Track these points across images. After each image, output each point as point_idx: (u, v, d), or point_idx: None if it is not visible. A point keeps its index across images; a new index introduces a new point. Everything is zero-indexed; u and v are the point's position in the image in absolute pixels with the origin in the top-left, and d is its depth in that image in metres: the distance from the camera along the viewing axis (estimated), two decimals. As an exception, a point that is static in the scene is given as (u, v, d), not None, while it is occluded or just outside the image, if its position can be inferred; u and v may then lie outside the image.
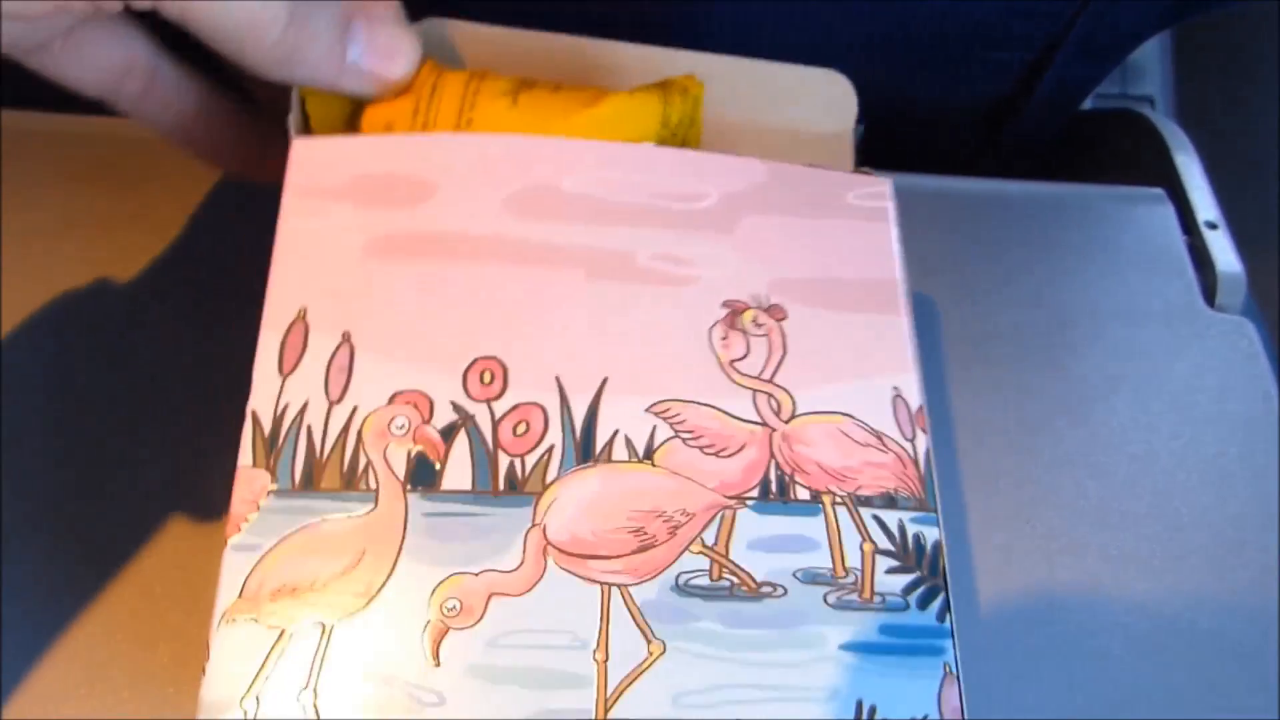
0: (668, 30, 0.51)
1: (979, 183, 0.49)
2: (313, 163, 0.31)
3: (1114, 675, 0.37)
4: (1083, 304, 0.46)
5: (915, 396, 0.30)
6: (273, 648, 0.27)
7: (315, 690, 0.27)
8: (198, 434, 0.39)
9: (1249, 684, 0.37)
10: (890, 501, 0.29)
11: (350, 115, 0.34)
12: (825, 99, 0.39)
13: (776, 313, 0.31)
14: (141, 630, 0.35)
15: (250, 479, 0.28)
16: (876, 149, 0.62)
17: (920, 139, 0.57)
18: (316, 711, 0.26)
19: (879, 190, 0.34)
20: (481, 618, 0.27)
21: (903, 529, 0.29)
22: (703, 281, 0.31)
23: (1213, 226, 0.47)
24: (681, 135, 0.36)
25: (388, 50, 0.32)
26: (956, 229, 0.48)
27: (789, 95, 0.39)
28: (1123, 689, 0.37)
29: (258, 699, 0.26)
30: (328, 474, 0.28)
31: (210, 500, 0.37)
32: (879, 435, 0.30)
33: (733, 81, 0.39)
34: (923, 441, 0.30)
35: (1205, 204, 0.48)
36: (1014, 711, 0.36)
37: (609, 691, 0.27)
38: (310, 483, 0.28)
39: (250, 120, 0.36)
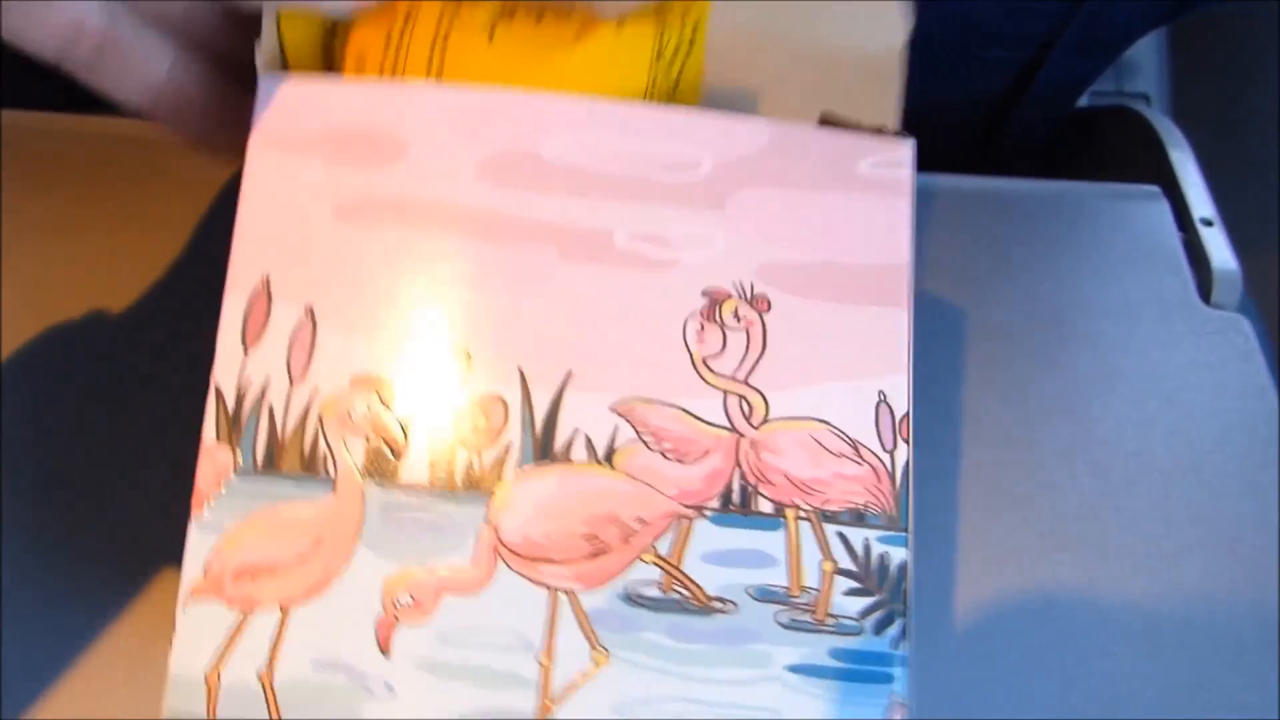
0: None
1: (974, 180, 0.47)
2: (281, 107, 0.28)
3: (1109, 671, 0.36)
4: (1078, 301, 0.44)
5: (902, 402, 0.28)
6: (234, 628, 0.26)
7: (272, 670, 0.26)
8: (197, 433, 0.38)
9: (1245, 680, 0.36)
10: (858, 518, 0.27)
11: (325, 45, 0.31)
12: (879, 11, 0.34)
13: (760, 304, 0.28)
14: (138, 627, 0.35)
15: (214, 455, 0.27)
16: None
17: (916, 136, 0.55)
18: (273, 691, 0.26)
19: (897, 156, 0.29)
20: (432, 613, 0.27)
21: (868, 548, 0.27)
22: (683, 266, 0.28)
23: (1208, 223, 0.45)
24: (679, 63, 0.32)
25: None
26: (951, 226, 0.46)
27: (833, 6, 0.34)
28: (1118, 685, 0.36)
29: (219, 675, 0.26)
30: (288, 456, 0.27)
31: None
32: (855, 445, 0.28)
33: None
34: (903, 453, 0.28)
35: (1201, 201, 0.46)
36: (1009, 708, 0.35)
37: (551, 695, 0.26)
38: (272, 464, 0.27)
39: (224, 90, 0.32)
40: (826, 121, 0.31)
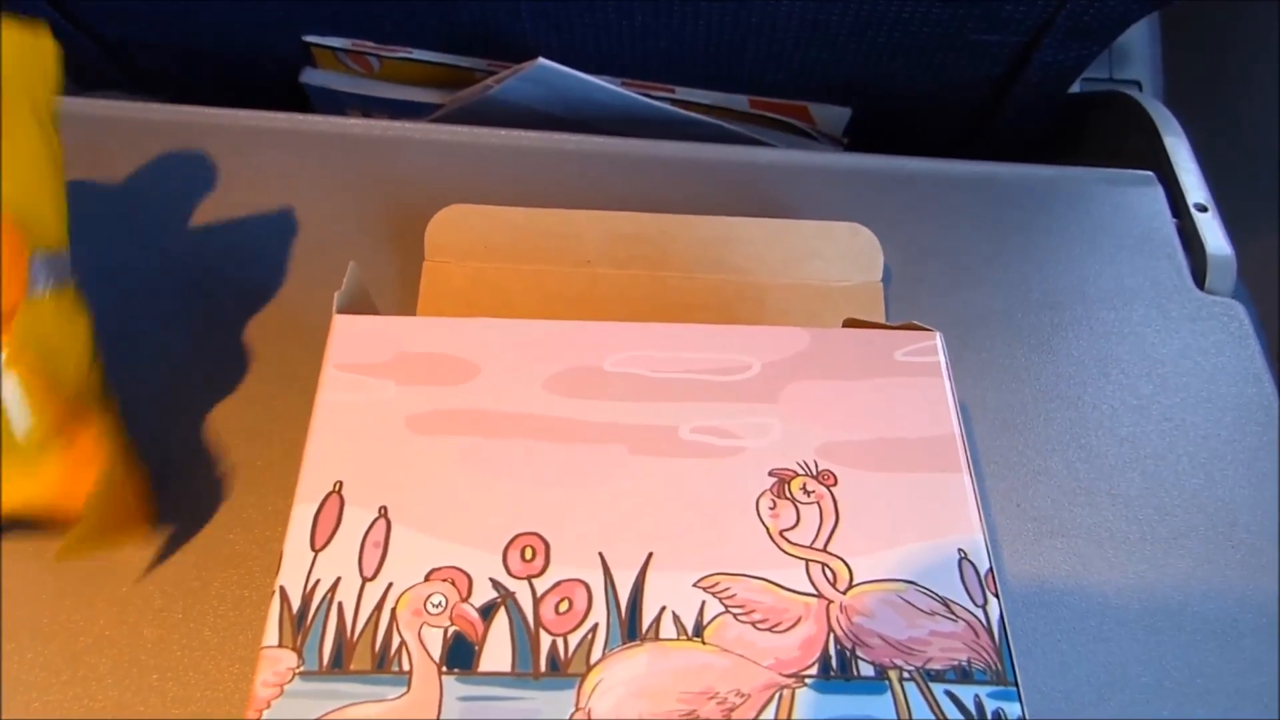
0: (669, 25, 0.41)
1: (969, 165, 0.40)
2: (354, 340, 0.25)
3: (1104, 658, 0.30)
4: (1073, 287, 0.37)
5: (983, 558, 0.22)
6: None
7: None
8: (196, 430, 0.32)
9: (1242, 665, 0.30)
10: (964, 675, 0.21)
11: None
12: (850, 250, 0.34)
13: (826, 478, 0.23)
14: (134, 623, 0.29)
15: (275, 660, 0.21)
16: (867, 132, 0.53)
17: (910, 122, 0.47)
18: None
19: (928, 344, 0.25)
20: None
21: (980, 706, 0.21)
22: (748, 452, 0.23)
23: (1202, 209, 0.38)
24: None
25: None
26: (946, 212, 0.39)
27: (815, 250, 0.34)
28: (1113, 671, 0.30)
29: None
30: (358, 654, 0.21)
31: (203, 496, 0.30)
32: (946, 602, 0.21)
33: (757, 242, 0.34)
34: (995, 607, 0.22)
35: (1194, 186, 0.39)
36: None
37: None
38: (340, 663, 0.21)
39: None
40: (852, 325, 0.27)
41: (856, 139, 0.49)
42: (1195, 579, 0.31)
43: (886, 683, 0.21)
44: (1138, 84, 0.53)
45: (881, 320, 0.33)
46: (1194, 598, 0.31)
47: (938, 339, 0.25)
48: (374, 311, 0.27)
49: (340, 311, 0.25)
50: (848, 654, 0.21)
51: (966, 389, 0.34)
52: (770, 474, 0.23)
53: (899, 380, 0.25)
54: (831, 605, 0.21)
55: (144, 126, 0.38)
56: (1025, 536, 0.32)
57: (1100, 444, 0.33)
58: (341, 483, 0.22)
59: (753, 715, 0.20)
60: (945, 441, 0.24)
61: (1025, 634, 0.30)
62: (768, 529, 0.22)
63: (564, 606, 0.21)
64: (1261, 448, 0.33)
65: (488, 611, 0.21)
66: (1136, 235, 0.38)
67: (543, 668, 0.21)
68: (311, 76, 0.49)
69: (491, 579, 0.21)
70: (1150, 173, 0.39)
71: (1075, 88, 0.47)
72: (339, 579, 0.21)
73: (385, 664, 0.21)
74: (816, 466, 0.23)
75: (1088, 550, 0.31)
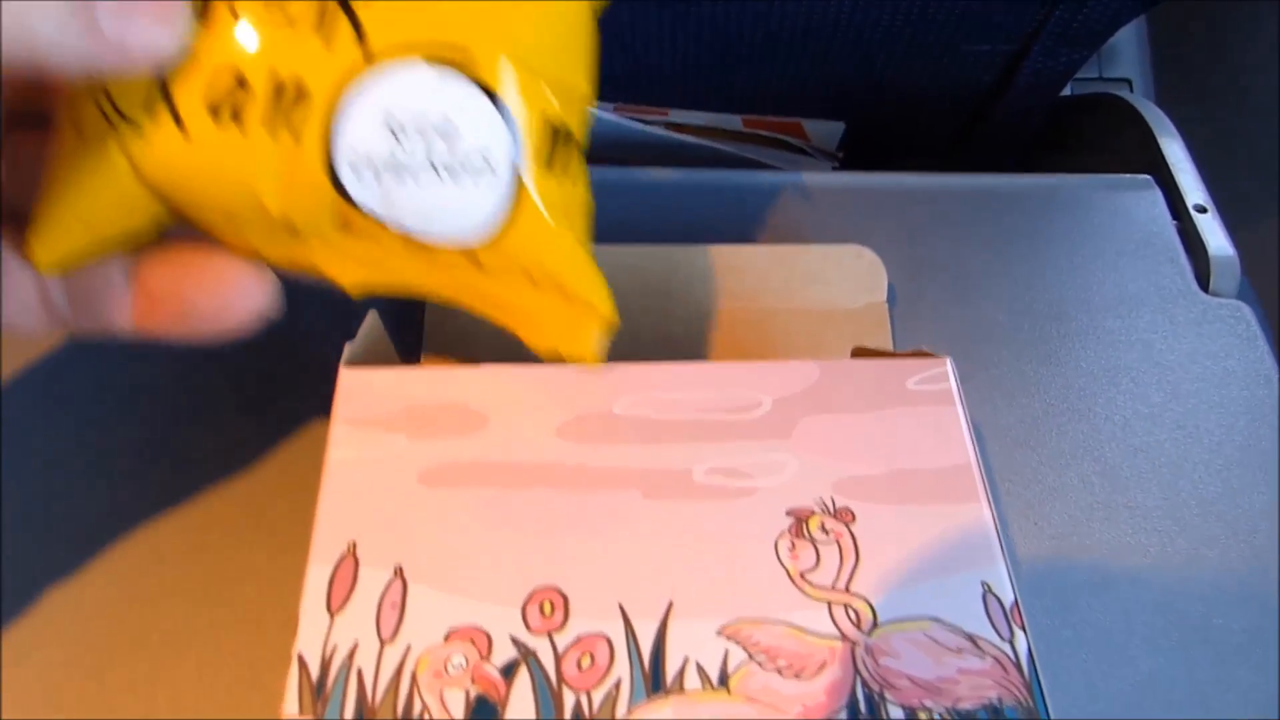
0: (661, 45, 0.41)
1: (966, 178, 0.40)
2: (361, 394, 0.24)
3: (1133, 678, 0.30)
4: (1077, 296, 0.37)
5: (1008, 591, 0.22)
6: None
7: None
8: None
9: (1265, 680, 0.30)
10: (995, 713, 0.21)
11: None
12: (854, 273, 0.34)
13: (844, 515, 0.23)
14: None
15: (297, 728, 0.21)
16: (861, 142, 0.53)
17: (903, 131, 0.47)
18: None
19: (939, 371, 0.25)
20: None
21: None
22: (763, 491, 0.23)
23: (1202, 210, 0.38)
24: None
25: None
26: (945, 226, 0.39)
27: (818, 274, 0.34)
28: (1143, 691, 0.30)
29: None
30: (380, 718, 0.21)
31: (211, 550, 0.30)
32: (972, 638, 0.21)
33: (761, 268, 0.33)
34: (1022, 641, 0.21)
35: (1193, 188, 0.39)
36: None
37: None
38: None
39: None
40: (861, 354, 0.27)
41: (850, 149, 0.49)
42: (1220, 591, 0.31)
43: (917, 724, 0.21)
44: (1128, 82, 0.53)
45: (889, 342, 0.33)
46: (1220, 610, 0.31)
47: (948, 365, 0.25)
48: (394, 359, 0.26)
49: (354, 362, 0.25)
50: (875, 697, 0.21)
51: (976, 406, 0.34)
52: (787, 513, 0.23)
53: (912, 410, 0.24)
54: (856, 647, 0.21)
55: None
56: (1045, 555, 0.31)
57: (1115, 456, 0.33)
58: (355, 542, 0.22)
59: (783, 765, 0.20)
60: (962, 471, 0.23)
61: (1050, 657, 0.30)
62: (788, 571, 0.22)
63: (586, 662, 0.21)
64: (1276, 452, 0.33)
65: (509, 670, 0.21)
66: (1137, 240, 0.38)
67: (568, 726, 0.20)
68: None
69: (512, 636, 0.21)
70: (1148, 176, 0.39)
71: (1066, 89, 0.47)
72: (357, 643, 0.21)
73: (408, 728, 0.20)
74: (834, 504, 0.23)
75: (1109, 566, 0.31)
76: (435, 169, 0.20)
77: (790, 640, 0.21)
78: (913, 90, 0.43)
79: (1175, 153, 0.40)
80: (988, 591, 0.22)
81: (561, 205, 0.21)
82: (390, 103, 0.20)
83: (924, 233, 0.38)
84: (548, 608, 0.21)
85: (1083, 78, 0.55)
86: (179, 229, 0.22)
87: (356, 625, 0.21)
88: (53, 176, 0.21)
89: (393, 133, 0.20)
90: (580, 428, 0.24)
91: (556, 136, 0.21)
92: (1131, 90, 0.52)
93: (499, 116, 0.20)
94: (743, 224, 0.38)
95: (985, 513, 0.23)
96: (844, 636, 0.21)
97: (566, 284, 0.22)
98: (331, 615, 0.21)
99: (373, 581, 0.22)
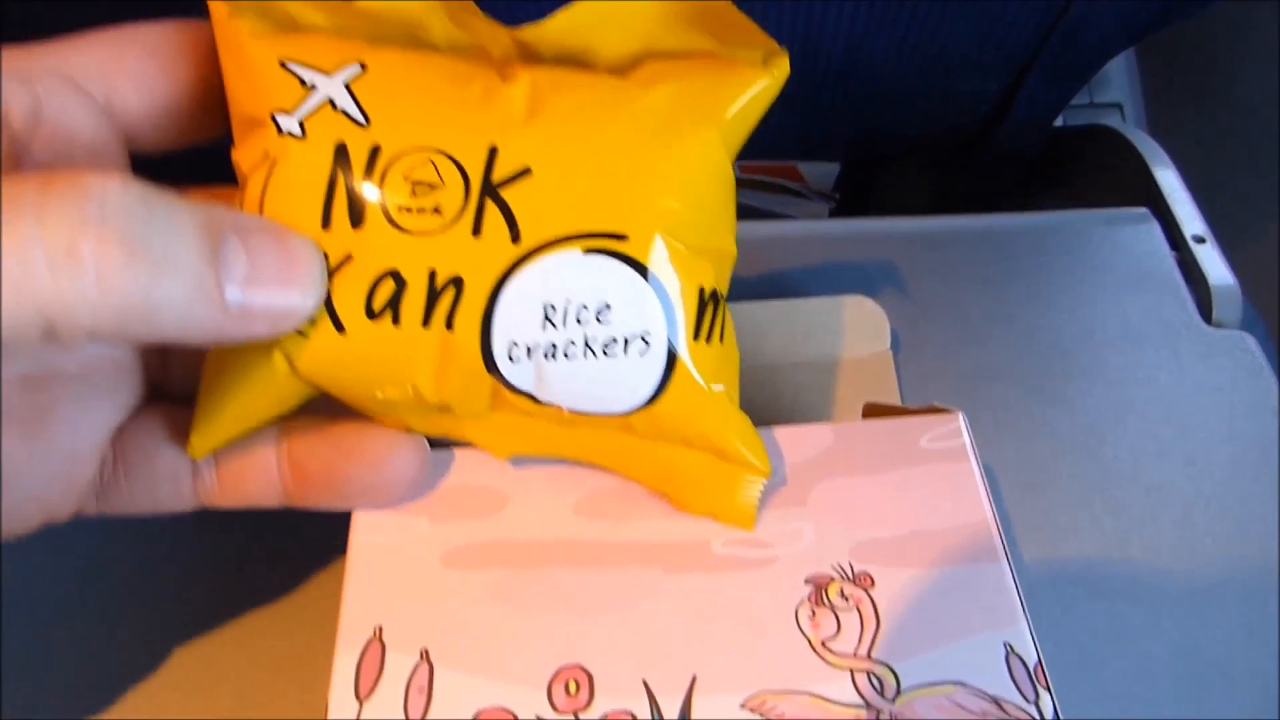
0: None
1: (962, 220, 0.40)
2: None
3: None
4: (1079, 333, 0.37)
5: (1030, 651, 0.22)
6: None
7: None
8: (214, 561, 0.31)
9: None
10: None
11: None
12: (857, 323, 0.34)
13: (863, 580, 0.23)
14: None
15: (324, 819, 0.21)
16: (855, 182, 0.53)
17: (896, 170, 0.48)
18: None
19: (952, 428, 0.25)
20: None
21: None
22: (781, 560, 0.23)
23: (1201, 240, 0.39)
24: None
25: (286, 266, 0.19)
26: (944, 269, 0.39)
27: (821, 327, 0.34)
28: None
29: None
30: (408, 809, 0.21)
31: (227, 634, 0.30)
32: (998, 701, 0.21)
33: (761, 324, 0.34)
34: (1048, 702, 0.21)
35: (1190, 217, 0.40)
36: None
37: None
38: None
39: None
40: (872, 411, 0.26)
41: (845, 190, 0.49)
42: (1241, 632, 0.31)
43: (946, 793, 0.20)
44: (1119, 107, 0.53)
45: (895, 390, 0.33)
46: (1241, 653, 0.30)
47: (960, 420, 0.25)
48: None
49: None
50: (903, 766, 0.21)
51: (985, 448, 0.34)
52: (806, 581, 0.23)
53: (926, 469, 0.24)
54: (881, 715, 0.21)
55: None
56: (1062, 600, 0.31)
57: (1127, 496, 0.33)
58: (381, 627, 0.22)
59: (813, 839, 0.20)
60: (979, 528, 0.23)
61: (1072, 708, 0.29)
62: (809, 640, 0.22)
63: (612, 741, 0.21)
64: (1289, 484, 0.33)
65: (535, 752, 0.21)
66: (1138, 274, 0.38)
67: (594, 807, 0.20)
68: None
69: (539, 717, 0.21)
70: (1145, 209, 0.39)
71: (1058, 118, 0.47)
72: None
73: (435, 816, 0.20)
74: (853, 569, 0.23)
75: (1127, 610, 0.31)
76: (591, 350, 0.21)
77: (814, 710, 0.21)
78: (907, 131, 0.43)
79: (1170, 182, 0.40)
80: (1010, 652, 0.22)
81: (713, 366, 0.22)
82: (546, 289, 0.21)
83: (923, 276, 0.38)
84: (573, 687, 0.21)
85: (1073, 105, 0.56)
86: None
87: (385, 710, 0.21)
88: (212, 376, 0.22)
89: (548, 318, 0.21)
90: (598, 503, 0.24)
91: (707, 302, 0.22)
92: (1123, 115, 0.52)
93: (654, 295, 0.21)
94: (739, 276, 0.38)
95: (1004, 571, 0.23)
96: (868, 704, 0.21)
97: (721, 444, 0.23)
98: (360, 701, 0.21)
99: (399, 666, 0.22)
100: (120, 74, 0.21)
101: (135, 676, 0.29)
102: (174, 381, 0.24)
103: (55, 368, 0.21)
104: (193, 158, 0.24)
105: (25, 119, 0.20)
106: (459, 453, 0.25)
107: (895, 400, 0.33)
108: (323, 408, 0.24)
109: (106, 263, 0.16)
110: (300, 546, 0.31)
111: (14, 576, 0.30)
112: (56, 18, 0.26)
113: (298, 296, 0.20)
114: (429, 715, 0.21)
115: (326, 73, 0.21)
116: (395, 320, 0.21)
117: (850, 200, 0.50)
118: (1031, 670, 0.21)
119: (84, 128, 0.20)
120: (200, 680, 0.29)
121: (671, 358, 0.22)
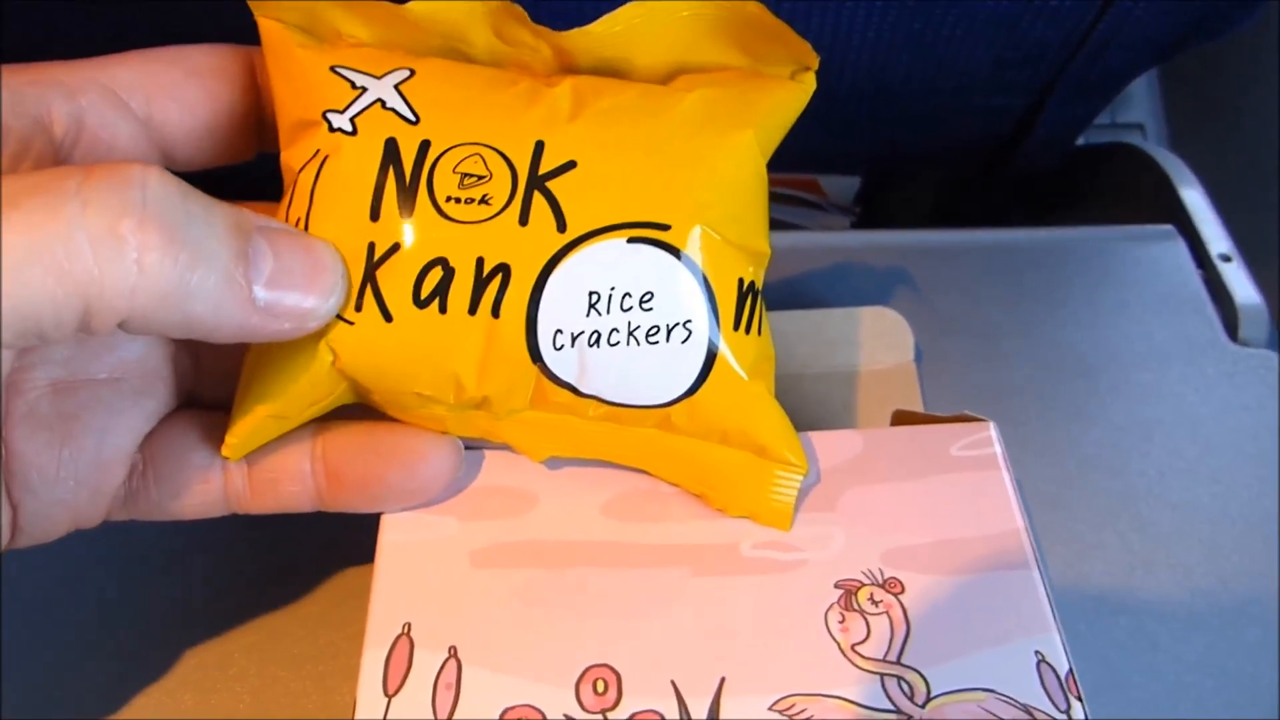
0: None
1: (987, 234, 0.40)
2: None
3: None
4: (1104, 350, 0.38)
5: (1061, 660, 0.22)
6: None
7: None
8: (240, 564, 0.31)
9: None
10: None
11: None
12: (881, 334, 0.34)
13: (893, 586, 0.23)
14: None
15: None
16: (875, 197, 0.54)
17: (918, 187, 0.48)
18: None
19: (983, 436, 0.25)
20: None
21: None
22: (811, 564, 0.23)
23: (1226, 259, 0.39)
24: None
25: (310, 268, 0.20)
26: (968, 283, 0.39)
27: (845, 337, 0.34)
28: None
29: None
30: (436, 806, 0.21)
31: (250, 633, 0.30)
32: (1029, 710, 0.21)
33: (786, 335, 0.33)
34: (1079, 712, 0.21)
35: (1216, 237, 0.40)
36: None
37: None
38: None
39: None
40: (902, 419, 0.27)
41: (867, 207, 0.50)
42: (1267, 650, 0.31)
43: (976, 800, 0.20)
44: (1140, 126, 0.54)
45: (919, 402, 0.34)
46: (1267, 670, 0.30)
47: (992, 429, 0.25)
48: None
49: None
50: (932, 772, 0.20)
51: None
52: (836, 585, 0.23)
53: (957, 476, 0.24)
54: (911, 721, 0.21)
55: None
56: (1088, 616, 0.31)
57: (1152, 513, 0.33)
58: (410, 624, 0.22)
59: (842, 846, 0.20)
60: (1010, 536, 0.23)
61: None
62: (839, 644, 0.22)
63: (641, 742, 0.21)
64: (1318, 504, 0.33)
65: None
66: (1163, 292, 0.38)
67: (621, 808, 0.20)
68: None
69: (566, 716, 0.21)
70: (1170, 226, 0.40)
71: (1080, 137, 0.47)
72: None
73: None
74: (883, 574, 0.23)
75: (1153, 626, 0.31)
76: (634, 337, 0.22)
77: (844, 714, 0.21)
78: (929, 147, 0.43)
79: (1195, 200, 0.40)
80: (1041, 660, 0.22)
81: (752, 359, 0.23)
82: (591, 277, 0.21)
83: (946, 290, 0.39)
84: (601, 686, 0.21)
85: (1095, 124, 0.56)
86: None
87: (413, 707, 0.21)
88: (250, 372, 0.23)
89: (593, 305, 0.21)
90: (626, 505, 0.24)
91: (746, 294, 0.22)
92: (1144, 134, 0.53)
93: (696, 283, 0.22)
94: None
95: (1036, 579, 0.23)
96: (898, 710, 0.21)
97: (759, 437, 0.23)
98: (388, 698, 0.21)
99: (428, 663, 0.22)
100: (162, 91, 0.22)
101: (154, 675, 0.29)
102: (205, 390, 0.24)
103: (85, 373, 0.22)
104: (221, 177, 0.25)
105: (68, 127, 0.21)
106: (489, 454, 0.25)
107: (919, 411, 0.33)
108: (355, 415, 0.24)
109: (147, 245, 0.17)
110: (320, 546, 0.31)
111: (29, 576, 0.30)
112: (57, 18, 0.26)
113: (320, 297, 0.20)
114: (456, 712, 0.21)
115: (376, 76, 0.21)
116: (442, 309, 0.21)
117: (870, 214, 0.50)
118: (1063, 679, 0.21)
119: (123, 139, 0.21)
120: (219, 679, 0.29)
121: (712, 347, 0.22)
